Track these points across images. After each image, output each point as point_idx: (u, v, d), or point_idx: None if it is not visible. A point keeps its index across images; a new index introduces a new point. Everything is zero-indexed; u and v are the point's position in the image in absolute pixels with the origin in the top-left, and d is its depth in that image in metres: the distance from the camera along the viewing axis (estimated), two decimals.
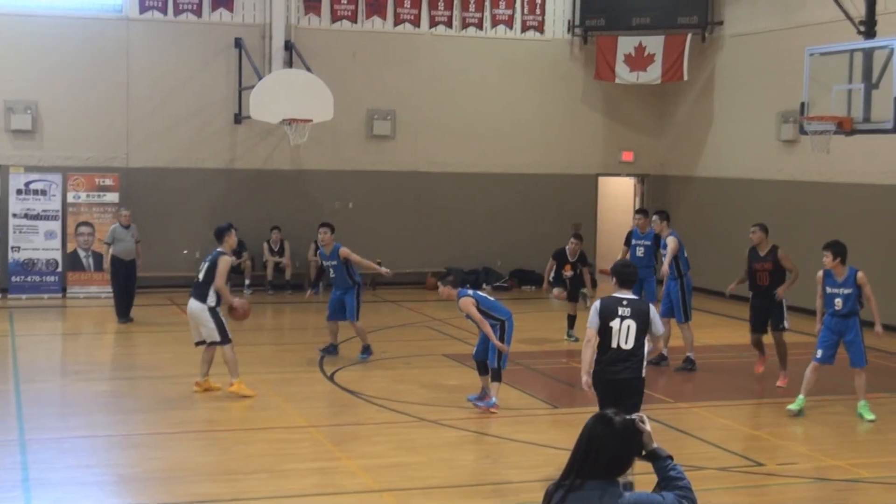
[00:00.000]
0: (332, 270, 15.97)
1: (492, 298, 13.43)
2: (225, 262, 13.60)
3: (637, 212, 18.14)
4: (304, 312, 21.26)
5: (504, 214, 25.04)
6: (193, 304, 13.68)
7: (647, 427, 4.79)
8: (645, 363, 9.79)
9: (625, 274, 9.94)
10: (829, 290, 12.87)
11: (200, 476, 10.39)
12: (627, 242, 17.21)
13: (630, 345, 9.63)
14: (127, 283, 19.24)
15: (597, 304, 9.85)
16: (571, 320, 18.10)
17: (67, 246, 21.98)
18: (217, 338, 13.61)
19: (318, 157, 23.65)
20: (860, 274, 12.79)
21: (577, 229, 25.14)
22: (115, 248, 19.09)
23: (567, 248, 18.05)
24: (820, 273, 12.92)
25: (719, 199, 24.06)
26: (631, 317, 9.64)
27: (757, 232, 14.76)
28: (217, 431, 12.16)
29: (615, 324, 9.64)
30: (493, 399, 12.88)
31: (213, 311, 13.61)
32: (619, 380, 9.69)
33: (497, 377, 12.88)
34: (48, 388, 14.42)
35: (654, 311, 9.86)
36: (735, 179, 23.58)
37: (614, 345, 9.65)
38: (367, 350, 16.00)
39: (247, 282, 22.97)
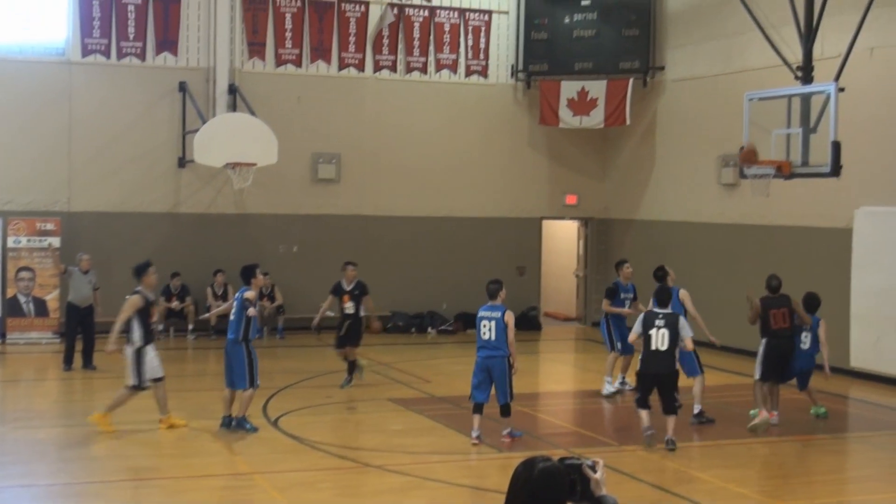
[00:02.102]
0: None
1: None
2: (130, 301, 13.95)
3: (619, 263, 17.89)
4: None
5: (449, 258, 25.08)
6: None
7: (597, 474, 4.68)
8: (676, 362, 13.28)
9: (661, 295, 13.53)
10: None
11: None
12: (612, 297, 17.13)
13: (665, 347, 13.06)
14: (85, 331, 18.84)
15: (640, 316, 13.47)
16: (351, 367, 17.27)
17: (7, 291, 21.68)
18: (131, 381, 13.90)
19: (262, 201, 23.58)
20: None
21: (521, 272, 25.34)
22: (71, 294, 18.82)
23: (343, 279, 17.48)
24: None
25: (661, 241, 24.25)
26: (665, 326, 13.06)
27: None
28: (160, 479, 12.00)
29: (653, 332, 13.10)
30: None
31: (136, 352, 13.86)
32: (657, 374, 13.18)
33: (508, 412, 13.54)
34: None
35: (682, 320, 13.31)
36: (677, 222, 23.80)
37: (653, 347, 13.12)
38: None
39: (190, 326, 22.77)
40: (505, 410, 13.47)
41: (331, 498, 11.34)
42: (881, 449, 13.99)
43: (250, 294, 14.17)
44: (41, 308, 21.61)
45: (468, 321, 24.90)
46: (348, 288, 17.22)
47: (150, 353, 13.96)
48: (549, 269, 26.23)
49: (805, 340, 14.78)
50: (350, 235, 24.31)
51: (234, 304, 14.30)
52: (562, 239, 27.26)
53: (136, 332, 13.83)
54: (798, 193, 19.34)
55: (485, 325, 14.00)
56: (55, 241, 21.71)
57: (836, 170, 15.49)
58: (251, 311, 14.00)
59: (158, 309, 22.53)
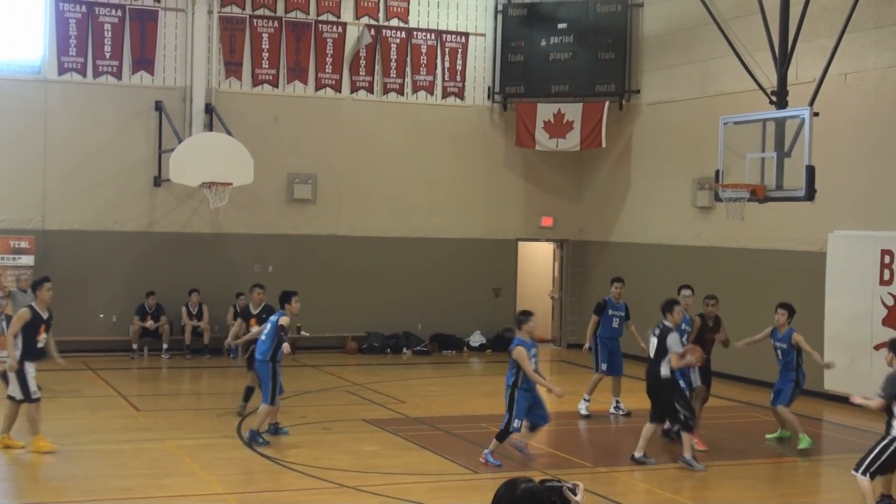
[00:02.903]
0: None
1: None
2: (19, 315, 13.75)
3: (615, 280, 17.85)
4: (222, 377, 21.00)
5: (425, 279, 25.07)
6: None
7: (578, 496, 4.70)
8: (666, 370, 13.75)
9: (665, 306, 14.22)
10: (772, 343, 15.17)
11: None
12: (600, 312, 17.24)
13: (652, 355, 13.85)
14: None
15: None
16: (248, 393, 16.43)
17: None
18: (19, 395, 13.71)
19: (237, 221, 23.53)
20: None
21: (497, 293, 25.35)
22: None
23: (250, 303, 17.10)
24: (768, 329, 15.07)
25: (636, 264, 24.32)
26: (658, 336, 13.83)
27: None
28: (132, 500, 11.90)
29: (651, 341, 14.00)
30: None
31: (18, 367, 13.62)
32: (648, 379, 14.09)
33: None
34: None
35: (672, 335, 13.79)
36: (652, 245, 23.89)
37: (650, 355, 13.97)
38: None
39: (164, 346, 22.66)
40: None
41: None
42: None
43: (285, 321, 14.63)
44: None
45: (443, 342, 24.95)
46: (255, 312, 16.59)
47: (31, 371, 13.67)
48: (525, 291, 26.25)
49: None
50: (325, 256, 24.29)
51: (268, 326, 14.73)
52: (537, 261, 27.29)
53: (19, 347, 13.56)
54: (772, 217, 19.44)
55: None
56: (29, 260, 21.57)
57: (810, 194, 15.57)
58: (286, 349, 14.36)
59: (134, 328, 22.47)
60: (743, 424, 16.94)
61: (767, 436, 15.54)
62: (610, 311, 17.20)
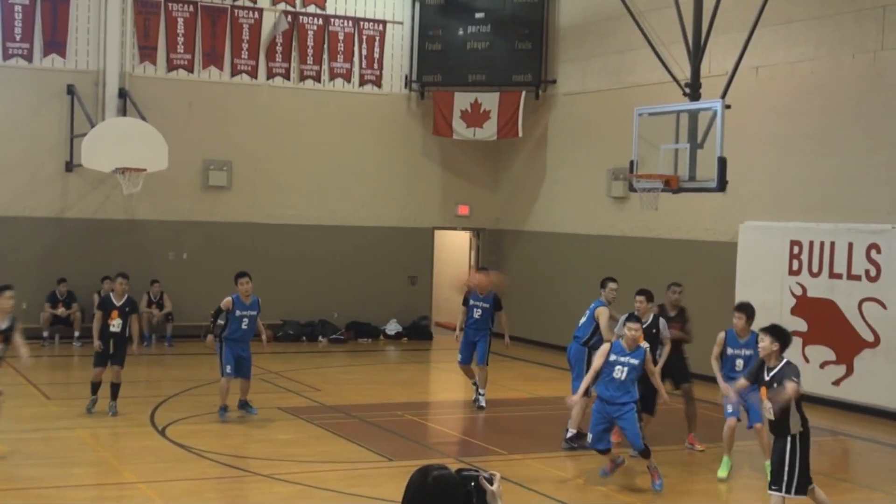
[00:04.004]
0: (246, 321, 15.44)
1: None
2: None
3: (480, 269, 17.76)
4: (135, 365, 20.66)
5: (341, 267, 24.97)
6: None
7: (494, 486, 4.62)
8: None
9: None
10: (730, 351, 13.01)
11: None
12: (465, 303, 17.00)
13: None
14: None
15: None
16: (115, 389, 15.66)
17: None
18: None
19: (151, 207, 23.22)
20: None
21: (413, 282, 25.36)
22: None
23: (111, 292, 16.16)
24: (722, 335, 13.12)
25: (551, 252, 24.49)
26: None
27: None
28: (43, 489, 11.71)
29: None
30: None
31: None
32: None
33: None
34: None
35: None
36: (567, 234, 24.05)
37: None
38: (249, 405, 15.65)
39: (76, 333, 22.29)
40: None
41: None
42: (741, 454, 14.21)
43: (226, 304, 15.38)
44: None
45: (359, 330, 24.90)
46: (118, 303, 15.67)
47: None
48: (441, 279, 26.28)
49: None
50: (241, 243, 24.06)
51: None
52: (454, 249, 27.35)
53: None
54: (685, 207, 19.69)
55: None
56: None
57: (721, 185, 15.78)
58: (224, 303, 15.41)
59: (45, 315, 22.07)
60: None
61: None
62: (471, 301, 16.95)
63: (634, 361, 12.10)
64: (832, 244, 17.72)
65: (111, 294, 15.96)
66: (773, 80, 19.12)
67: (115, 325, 15.49)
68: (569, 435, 14.08)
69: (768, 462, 12.26)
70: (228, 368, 15.21)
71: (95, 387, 15.57)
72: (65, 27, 22.67)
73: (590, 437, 12.30)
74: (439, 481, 4.56)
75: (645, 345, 12.42)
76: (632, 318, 12.55)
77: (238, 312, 15.31)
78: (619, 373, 12.05)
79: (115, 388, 15.56)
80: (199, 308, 22.88)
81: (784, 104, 19.04)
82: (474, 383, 17.00)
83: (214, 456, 13.11)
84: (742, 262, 19.04)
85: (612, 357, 12.14)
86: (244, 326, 15.35)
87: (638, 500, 11.90)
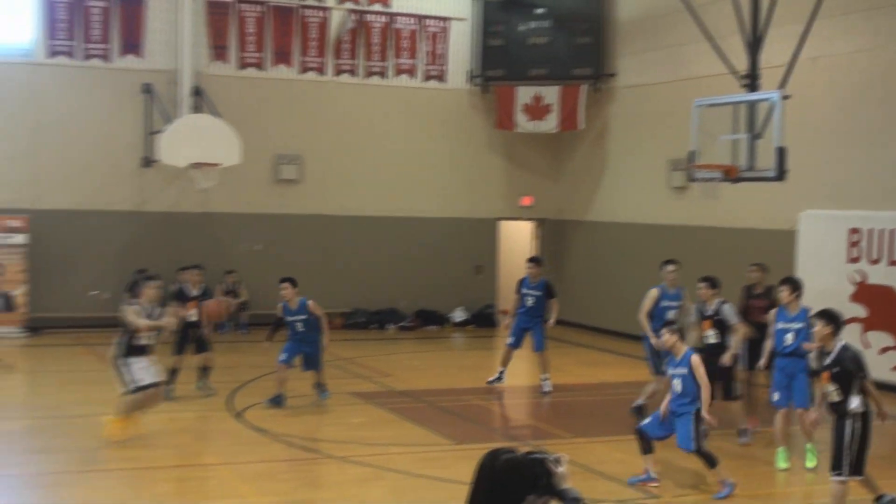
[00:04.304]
0: (300, 325, 15.33)
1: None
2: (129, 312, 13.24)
3: (529, 260, 17.68)
4: (215, 352, 21.04)
5: (409, 257, 25.18)
6: None
7: (561, 468, 4.68)
8: None
9: None
10: (780, 325, 12.72)
11: None
12: (518, 291, 17.15)
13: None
14: None
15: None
16: (206, 372, 16.26)
17: None
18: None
19: (225, 201, 23.57)
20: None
21: (479, 271, 25.48)
22: None
23: (186, 283, 16.58)
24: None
25: (612, 242, 24.50)
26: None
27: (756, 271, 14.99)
28: (127, 470, 12.02)
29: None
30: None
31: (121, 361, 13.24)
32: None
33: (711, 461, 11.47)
34: None
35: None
36: (627, 224, 24.04)
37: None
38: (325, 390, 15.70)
39: None
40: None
41: (293, 488, 11.42)
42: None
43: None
44: (8, 303, 21.47)
45: (427, 318, 25.11)
46: (194, 294, 16.24)
47: (136, 364, 13.23)
48: (506, 269, 26.37)
49: None
50: (312, 234, 24.38)
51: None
52: (517, 239, 27.42)
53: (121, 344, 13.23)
54: (744, 197, 19.61)
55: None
56: (22, 239, 21.64)
57: (780, 174, 15.73)
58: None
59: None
60: None
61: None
62: (524, 290, 17.10)
63: (682, 370, 11.47)
64: (892, 232, 17.59)
65: (187, 285, 16.31)
66: (832, 70, 18.98)
67: (192, 314, 15.90)
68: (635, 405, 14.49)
69: (809, 445, 12.37)
70: (284, 356, 15.16)
71: (173, 374, 15.84)
72: (141, 28, 23.07)
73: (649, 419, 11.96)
74: (509, 463, 4.63)
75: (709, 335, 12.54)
76: (667, 323, 12.29)
77: (288, 318, 15.38)
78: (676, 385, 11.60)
79: (206, 371, 16.17)
80: (273, 296, 23.09)
81: (842, 94, 18.91)
82: (501, 372, 17.12)
83: (289, 439, 13.36)
84: (802, 250, 18.94)
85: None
86: (300, 329, 15.31)
87: (695, 480, 11.93)
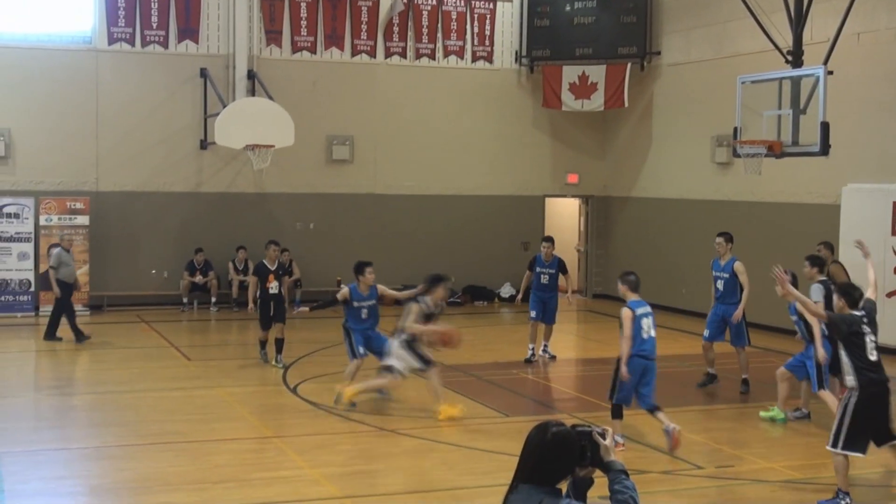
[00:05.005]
0: (365, 311, 14.35)
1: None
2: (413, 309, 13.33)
3: (544, 239, 17.78)
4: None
5: (457, 234, 25.07)
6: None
7: (606, 441, 4.71)
8: None
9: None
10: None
11: (170, 486, 10.29)
12: (531, 268, 17.43)
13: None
14: (69, 305, 18.65)
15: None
16: (280, 344, 16.48)
17: (40, 267, 21.71)
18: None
19: (279, 181, 23.57)
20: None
21: (526, 247, 25.32)
22: (61, 271, 18.46)
23: (264, 259, 16.69)
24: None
25: (658, 217, 24.23)
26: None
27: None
28: (186, 443, 12.04)
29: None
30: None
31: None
32: None
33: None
34: (21, 402, 14.25)
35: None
36: (672, 200, 23.77)
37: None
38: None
39: (213, 299, 22.82)
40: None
41: (347, 459, 11.39)
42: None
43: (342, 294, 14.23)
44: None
45: (475, 293, 25.01)
46: (273, 268, 16.43)
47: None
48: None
49: None
50: (363, 213, 24.34)
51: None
52: (564, 216, 27.23)
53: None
54: (788, 171, 19.30)
55: (645, 323, 11.69)
56: (84, 220, 21.80)
57: (824, 149, 15.44)
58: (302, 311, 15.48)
59: (184, 283, 22.64)
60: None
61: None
62: (538, 269, 17.18)
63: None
64: None
65: (264, 261, 16.55)
66: (876, 45, 18.58)
67: (273, 287, 16.33)
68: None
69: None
70: (361, 349, 14.16)
71: (263, 344, 16.58)
72: (197, 15, 23.08)
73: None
74: (558, 436, 4.64)
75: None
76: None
77: (356, 303, 14.22)
78: None
79: (279, 343, 16.37)
80: (326, 274, 23.23)
81: (885, 69, 18.50)
82: (532, 348, 17.26)
83: (342, 413, 13.31)
84: (845, 223, 18.59)
85: None
86: (363, 316, 14.28)
87: (741, 452, 11.77)
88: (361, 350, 14.17)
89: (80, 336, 18.49)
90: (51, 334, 18.59)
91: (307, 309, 15.53)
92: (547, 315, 17.29)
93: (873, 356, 9.56)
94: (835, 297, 9.94)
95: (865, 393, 9.48)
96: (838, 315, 9.78)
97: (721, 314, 14.88)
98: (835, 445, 9.57)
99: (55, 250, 19.05)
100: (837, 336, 9.70)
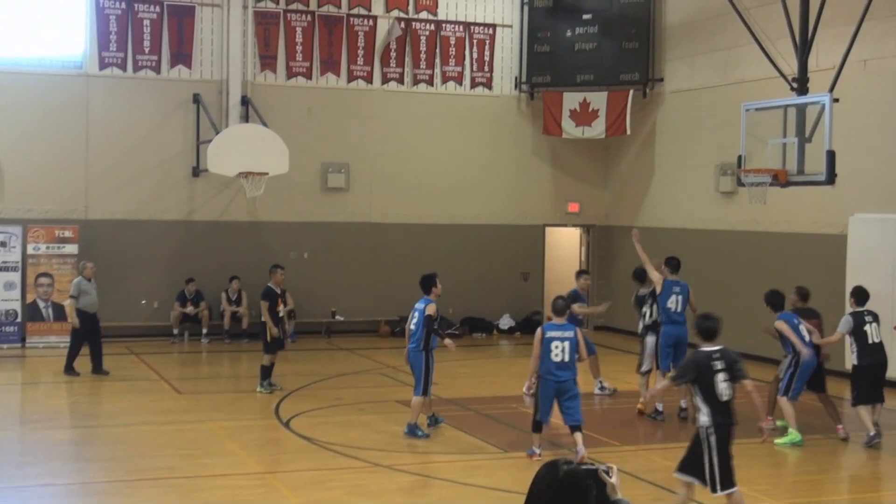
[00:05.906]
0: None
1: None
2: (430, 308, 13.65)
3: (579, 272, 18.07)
4: (260, 361, 21.06)
5: (455, 264, 25.03)
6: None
7: (613, 479, 4.69)
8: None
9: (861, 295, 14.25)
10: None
11: None
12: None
13: (879, 339, 14.15)
14: (95, 337, 18.53)
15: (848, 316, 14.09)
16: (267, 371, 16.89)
17: (27, 297, 21.69)
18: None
19: (274, 209, 23.59)
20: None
21: (525, 278, 25.31)
22: (81, 301, 18.38)
23: (270, 283, 16.86)
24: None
25: (660, 247, 24.12)
26: (875, 321, 14.03)
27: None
28: (176, 479, 11.99)
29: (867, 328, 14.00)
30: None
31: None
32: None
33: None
34: (7, 436, 14.19)
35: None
36: (676, 229, 23.79)
37: (870, 341, 14.03)
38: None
39: (204, 331, 22.79)
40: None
41: (341, 497, 11.34)
42: (880, 449, 13.94)
43: (432, 310, 13.75)
44: (59, 313, 21.60)
45: (474, 325, 24.98)
46: (279, 291, 16.87)
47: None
48: (552, 275, 26.19)
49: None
50: (359, 242, 24.34)
51: (416, 315, 13.88)
52: (564, 245, 27.24)
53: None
54: (794, 201, 19.33)
55: (556, 346, 12.68)
56: (73, 249, 21.78)
57: (830, 178, 15.47)
58: (448, 343, 14.28)
59: (174, 313, 22.61)
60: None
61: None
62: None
63: None
64: None
65: (271, 284, 16.82)
66: (883, 72, 18.65)
67: (281, 310, 16.71)
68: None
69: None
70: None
71: (269, 371, 16.71)
72: (190, 40, 23.17)
73: None
74: (570, 475, 4.62)
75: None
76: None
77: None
78: None
79: (265, 371, 16.85)
80: (320, 305, 23.26)
81: (893, 96, 18.55)
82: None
83: (336, 447, 13.27)
84: (852, 253, 18.63)
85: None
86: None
87: (747, 489, 11.73)
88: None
89: (99, 369, 18.41)
90: (69, 368, 18.44)
91: (450, 341, 14.61)
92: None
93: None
94: None
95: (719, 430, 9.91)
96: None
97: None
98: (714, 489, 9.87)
99: (75, 280, 18.92)
100: None
